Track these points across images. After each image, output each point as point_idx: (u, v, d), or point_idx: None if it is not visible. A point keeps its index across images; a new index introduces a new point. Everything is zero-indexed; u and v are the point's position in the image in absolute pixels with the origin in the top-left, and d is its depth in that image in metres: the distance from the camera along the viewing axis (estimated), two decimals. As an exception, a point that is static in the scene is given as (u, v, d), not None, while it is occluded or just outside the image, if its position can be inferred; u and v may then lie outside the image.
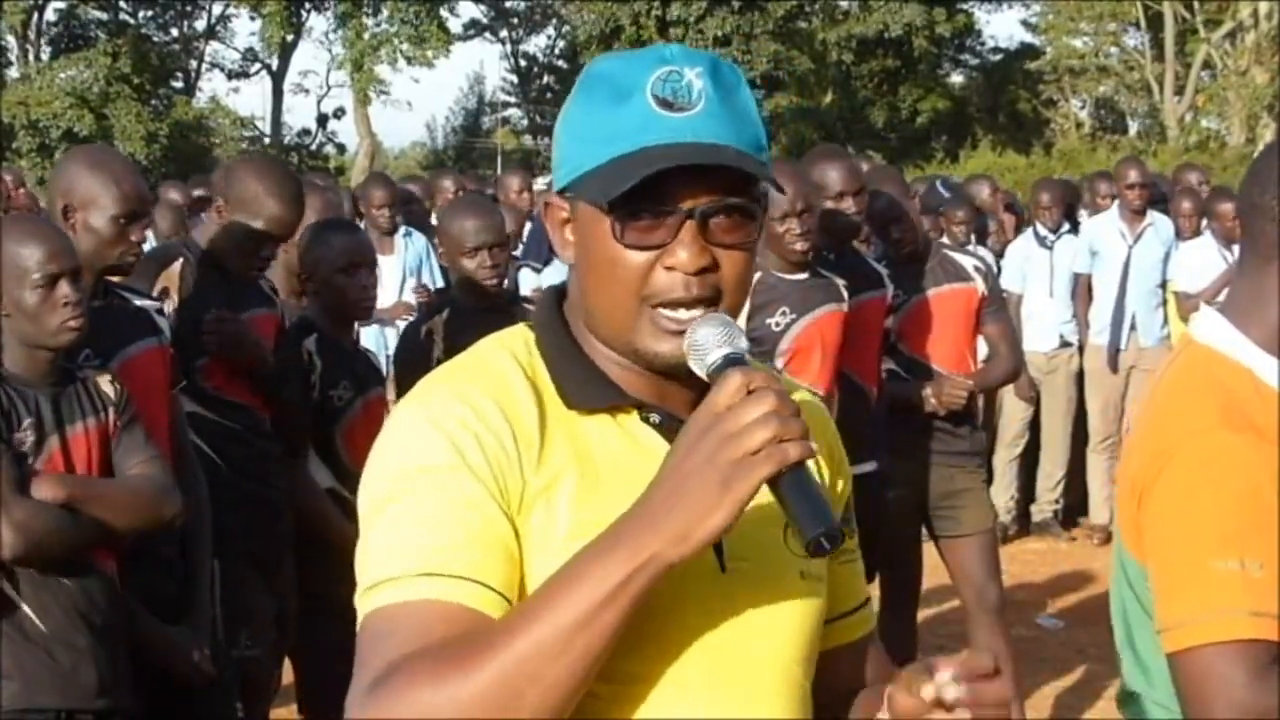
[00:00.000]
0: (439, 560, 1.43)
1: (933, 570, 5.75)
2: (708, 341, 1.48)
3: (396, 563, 1.44)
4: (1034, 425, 8.76)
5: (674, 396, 1.57)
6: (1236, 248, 8.15)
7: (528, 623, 1.35)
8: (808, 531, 1.37)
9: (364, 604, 1.46)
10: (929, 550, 5.46)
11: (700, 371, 1.48)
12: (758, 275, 4.56)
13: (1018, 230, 9.30)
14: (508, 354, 1.58)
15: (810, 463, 1.39)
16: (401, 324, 7.94)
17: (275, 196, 3.97)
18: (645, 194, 1.48)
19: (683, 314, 1.51)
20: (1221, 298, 8.05)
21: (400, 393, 4.44)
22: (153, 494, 3.28)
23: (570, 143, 1.56)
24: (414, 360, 4.34)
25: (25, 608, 3.11)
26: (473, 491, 1.45)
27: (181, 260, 4.04)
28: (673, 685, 1.48)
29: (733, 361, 1.45)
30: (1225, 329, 1.96)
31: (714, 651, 1.50)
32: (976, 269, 5.35)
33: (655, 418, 1.56)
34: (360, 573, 1.49)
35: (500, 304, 4.40)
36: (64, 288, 3.17)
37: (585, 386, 1.55)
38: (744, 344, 1.48)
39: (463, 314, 4.34)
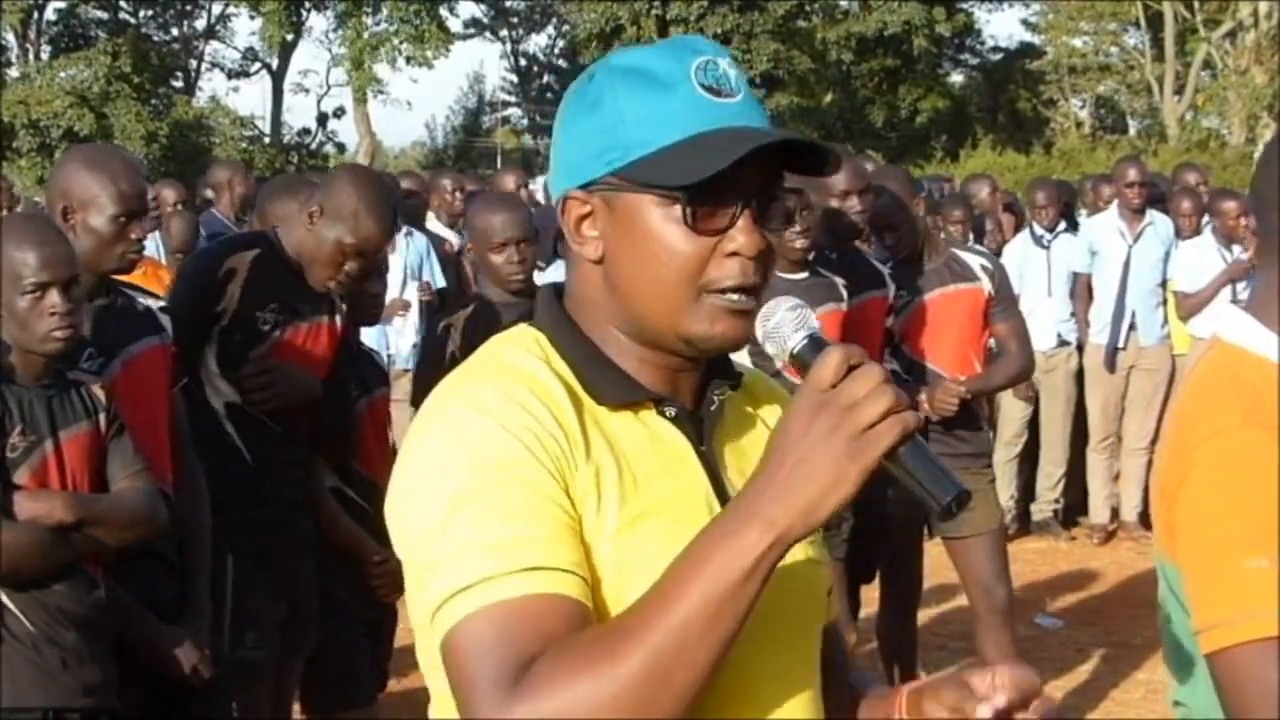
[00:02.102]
0: (538, 554, 1.41)
1: (933, 570, 5.76)
2: (785, 325, 1.49)
3: (491, 561, 1.40)
4: (1033, 424, 8.77)
5: (684, 388, 1.59)
6: (1236, 247, 8.21)
7: (669, 605, 1.35)
8: (941, 498, 1.39)
9: (458, 604, 1.40)
10: (930, 550, 5.46)
11: (779, 354, 1.50)
12: (758, 275, 4.57)
13: (1016, 230, 9.30)
14: (528, 354, 1.57)
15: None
16: (399, 321, 7.95)
17: (373, 214, 3.93)
18: (710, 180, 1.49)
19: (741, 297, 1.52)
20: (1222, 297, 8.07)
21: (418, 389, 4.44)
22: (144, 510, 3.29)
23: (601, 135, 1.54)
24: (431, 357, 4.36)
25: (11, 607, 3.11)
26: (549, 485, 1.45)
27: (258, 251, 4.01)
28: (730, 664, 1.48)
29: (816, 341, 1.47)
30: (1249, 325, 1.95)
31: (762, 633, 1.49)
32: (984, 268, 5.34)
33: (671, 411, 1.57)
34: (440, 573, 1.43)
35: (526, 299, 4.40)
36: (53, 297, 3.15)
37: (610, 382, 1.55)
38: (815, 323, 1.50)
39: (489, 309, 4.33)
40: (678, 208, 1.51)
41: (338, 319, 4.11)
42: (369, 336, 7.00)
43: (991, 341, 5.48)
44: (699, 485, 1.55)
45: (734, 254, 1.51)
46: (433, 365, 4.32)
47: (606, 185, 1.54)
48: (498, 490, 1.43)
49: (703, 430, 1.59)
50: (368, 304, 4.25)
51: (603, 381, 1.55)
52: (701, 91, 1.52)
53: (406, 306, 7.91)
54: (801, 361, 1.47)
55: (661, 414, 1.57)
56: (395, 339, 7.92)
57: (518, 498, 1.43)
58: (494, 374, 1.54)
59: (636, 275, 1.54)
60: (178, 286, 4.24)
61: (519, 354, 1.57)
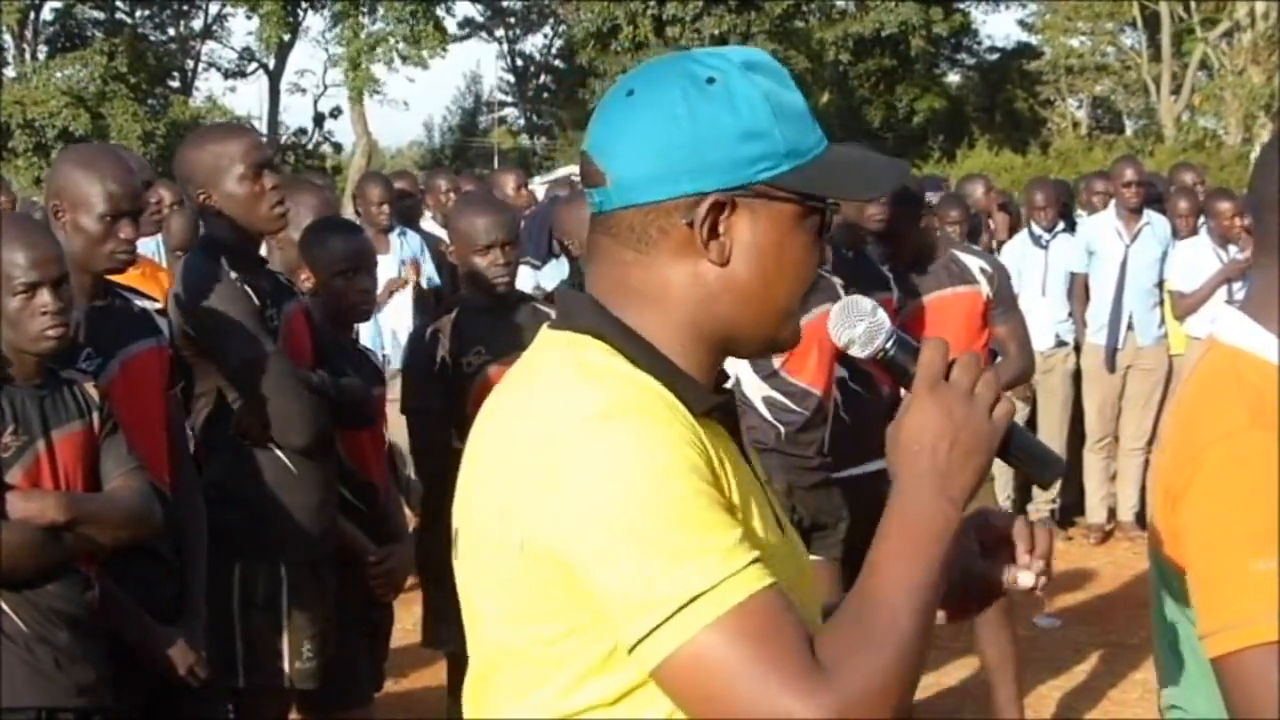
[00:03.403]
0: (749, 551, 1.42)
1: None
2: (871, 329, 1.60)
3: (721, 564, 1.39)
4: (1030, 425, 8.76)
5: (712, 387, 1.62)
6: (1232, 247, 8.21)
7: (899, 577, 1.45)
8: (1049, 473, 1.61)
9: (690, 616, 1.37)
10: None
11: (865, 352, 1.59)
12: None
13: (1012, 230, 9.29)
14: (617, 361, 1.52)
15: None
16: (398, 322, 7.94)
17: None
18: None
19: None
20: (1218, 297, 8.06)
21: (407, 393, 4.43)
22: (138, 508, 3.28)
23: (751, 139, 1.51)
24: (420, 362, 4.34)
25: (4, 605, 3.10)
26: (716, 494, 1.46)
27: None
28: None
29: (903, 341, 1.59)
30: (1246, 326, 1.94)
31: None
32: (983, 271, 5.34)
33: (718, 413, 1.59)
34: (657, 584, 1.38)
35: (510, 302, 4.39)
36: (44, 296, 3.14)
37: (693, 390, 1.54)
38: (887, 320, 1.61)
39: (473, 311, 4.33)
40: (816, 219, 1.56)
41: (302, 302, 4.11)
42: (370, 337, 7.02)
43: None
44: (753, 478, 1.60)
45: (819, 261, 1.60)
46: (422, 370, 4.32)
47: (757, 192, 1.52)
48: (695, 497, 1.42)
49: (735, 429, 1.62)
50: (358, 300, 4.24)
51: (688, 389, 1.53)
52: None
53: (405, 284, 7.91)
54: (892, 360, 1.59)
55: (710, 416, 1.57)
56: (390, 340, 7.91)
57: (710, 500, 1.44)
58: (610, 380, 1.49)
59: (772, 281, 1.55)
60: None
61: (607, 360, 1.52)
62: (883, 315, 1.60)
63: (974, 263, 5.37)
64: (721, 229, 1.52)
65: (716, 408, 1.57)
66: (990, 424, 1.50)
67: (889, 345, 1.58)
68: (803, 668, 1.38)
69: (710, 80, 1.52)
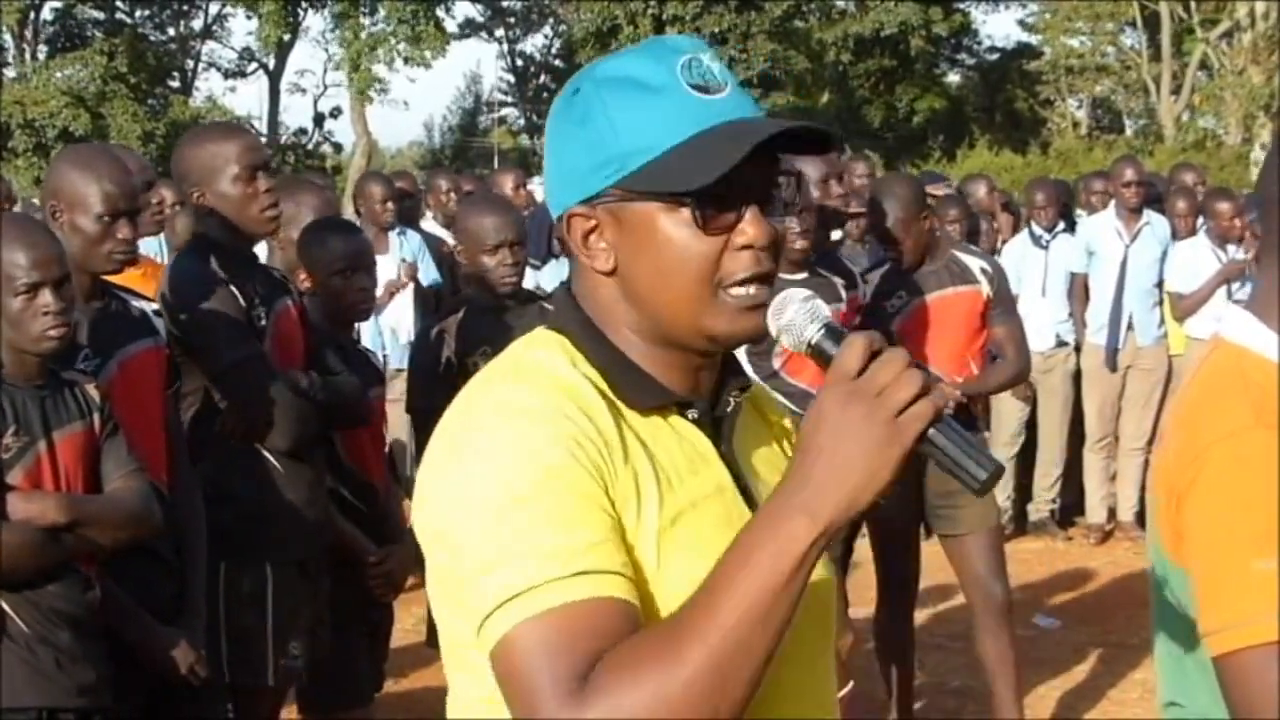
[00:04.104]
0: (589, 559, 1.41)
1: (932, 570, 5.76)
2: (799, 318, 1.50)
3: (545, 567, 1.40)
4: (1030, 425, 8.76)
5: (703, 389, 1.60)
6: (1231, 248, 8.20)
7: (723, 601, 1.36)
8: (979, 473, 1.40)
9: (513, 610, 1.40)
10: (927, 550, 5.46)
11: (798, 346, 1.51)
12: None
13: (1014, 230, 9.29)
14: (558, 358, 1.56)
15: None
16: (396, 321, 7.95)
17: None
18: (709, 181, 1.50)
19: (754, 289, 1.53)
20: (1217, 298, 8.06)
21: (413, 393, 4.43)
22: (138, 510, 3.28)
23: (596, 148, 1.53)
24: (426, 362, 4.34)
25: (5, 606, 3.10)
26: (593, 490, 1.45)
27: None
28: None
29: (833, 329, 1.49)
30: (1251, 325, 1.94)
31: (785, 650, 1.49)
32: (983, 271, 5.33)
33: (693, 413, 1.58)
34: (492, 578, 1.42)
35: (517, 302, 4.38)
36: (45, 296, 3.15)
37: (639, 386, 1.55)
38: (827, 312, 1.51)
39: (479, 311, 4.32)
40: (686, 211, 1.51)
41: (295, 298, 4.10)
42: (370, 337, 7.03)
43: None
44: (725, 484, 1.56)
45: (746, 246, 1.52)
46: (428, 370, 4.31)
47: (610, 198, 1.54)
48: (547, 497, 1.43)
49: (721, 431, 1.60)
50: (357, 300, 4.24)
51: (633, 385, 1.55)
52: (691, 90, 1.52)
53: (403, 286, 7.92)
54: (820, 351, 1.49)
55: (684, 416, 1.57)
56: (391, 340, 7.91)
57: (567, 503, 1.43)
58: (531, 378, 1.53)
59: (655, 282, 1.54)
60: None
61: (550, 358, 1.56)
62: (817, 305, 1.51)
63: (974, 263, 5.36)
64: (593, 240, 1.56)
65: (686, 405, 1.57)
66: (892, 429, 1.36)
67: (816, 335, 1.49)
68: (576, 684, 1.35)
69: (576, 91, 1.58)
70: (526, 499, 1.43)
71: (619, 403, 1.54)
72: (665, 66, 1.52)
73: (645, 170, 1.51)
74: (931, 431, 1.38)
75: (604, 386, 1.54)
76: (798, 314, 1.50)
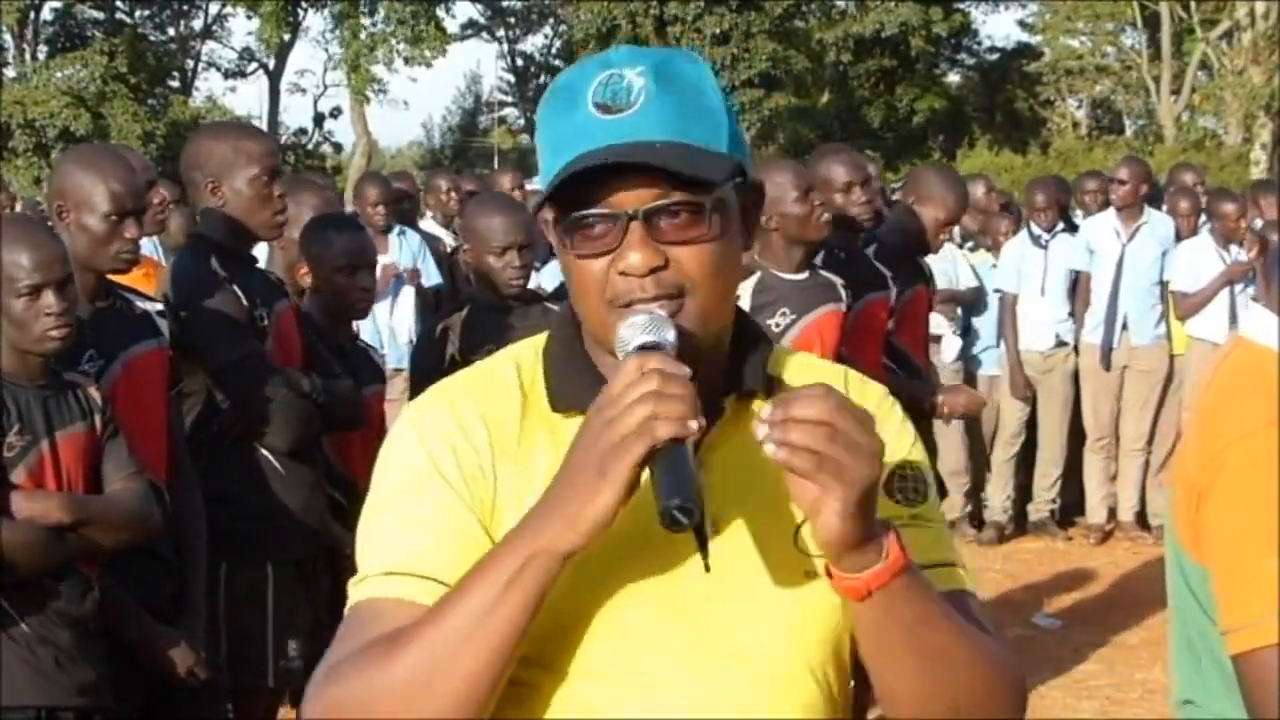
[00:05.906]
0: (405, 561, 1.49)
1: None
2: (627, 336, 1.47)
3: (372, 561, 1.52)
4: (1031, 425, 8.77)
5: None
6: (1235, 248, 8.20)
7: (436, 617, 1.43)
8: (659, 501, 1.35)
9: (350, 598, 1.54)
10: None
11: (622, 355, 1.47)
12: (757, 276, 4.56)
13: (1014, 230, 9.29)
14: (513, 361, 1.61)
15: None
16: (396, 319, 7.95)
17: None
18: (588, 200, 1.47)
19: (639, 314, 1.49)
20: (1221, 298, 8.06)
21: (415, 389, 4.43)
22: (138, 511, 3.29)
23: (540, 157, 1.56)
24: (429, 360, 4.34)
25: (6, 606, 3.11)
26: (443, 497, 1.51)
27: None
28: (638, 680, 1.49)
29: (643, 349, 1.44)
30: (1271, 324, 1.94)
31: (690, 650, 1.49)
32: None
33: None
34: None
35: (522, 301, 4.36)
36: (48, 297, 3.15)
37: (574, 390, 1.55)
38: (670, 335, 1.45)
39: (483, 312, 4.30)
40: (565, 222, 1.51)
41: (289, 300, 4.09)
42: (370, 334, 7.02)
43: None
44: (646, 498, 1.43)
45: (621, 272, 1.48)
46: (431, 368, 4.31)
47: (545, 209, 1.54)
48: (396, 499, 1.53)
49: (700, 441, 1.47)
50: (358, 298, 4.24)
51: (563, 389, 1.56)
52: (592, 110, 1.49)
53: (412, 280, 7.92)
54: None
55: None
56: (389, 338, 7.91)
57: (406, 508, 1.52)
58: (456, 383, 1.61)
59: (574, 293, 1.55)
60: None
61: (507, 361, 1.62)
62: (659, 326, 1.45)
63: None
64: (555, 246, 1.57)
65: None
66: (610, 450, 1.35)
67: (627, 353, 1.44)
68: (333, 666, 1.47)
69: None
70: (380, 499, 1.55)
71: (545, 405, 1.56)
72: (584, 82, 1.51)
73: (547, 186, 1.52)
74: (657, 456, 1.35)
75: (538, 388, 1.58)
76: (628, 333, 1.46)
